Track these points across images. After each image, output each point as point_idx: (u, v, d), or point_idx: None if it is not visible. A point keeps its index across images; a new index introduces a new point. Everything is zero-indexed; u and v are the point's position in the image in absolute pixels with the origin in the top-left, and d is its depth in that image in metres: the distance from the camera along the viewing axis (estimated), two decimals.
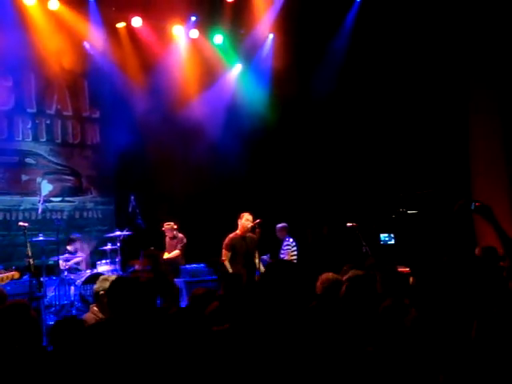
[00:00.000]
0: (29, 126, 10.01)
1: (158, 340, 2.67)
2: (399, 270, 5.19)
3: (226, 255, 7.53)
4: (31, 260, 7.13)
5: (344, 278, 3.57)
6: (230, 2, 10.43)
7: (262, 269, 7.85)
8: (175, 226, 9.36)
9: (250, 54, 11.32)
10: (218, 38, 11.03)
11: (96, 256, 9.39)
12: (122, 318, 3.13)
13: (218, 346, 2.26)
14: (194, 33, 10.82)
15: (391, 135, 10.55)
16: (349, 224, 8.41)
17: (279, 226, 9.58)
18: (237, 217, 7.82)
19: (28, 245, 7.25)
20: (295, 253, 9.53)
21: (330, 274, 3.91)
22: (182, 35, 10.77)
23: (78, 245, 9.24)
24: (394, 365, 2.44)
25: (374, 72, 10.36)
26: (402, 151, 10.43)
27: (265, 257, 9.48)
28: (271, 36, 11.23)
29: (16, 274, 6.27)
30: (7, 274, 6.18)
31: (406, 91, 10.23)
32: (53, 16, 9.44)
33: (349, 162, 10.94)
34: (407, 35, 9.83)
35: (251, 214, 7.79)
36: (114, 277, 4.93)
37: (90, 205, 10.73)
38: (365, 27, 10.28)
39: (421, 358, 2.41)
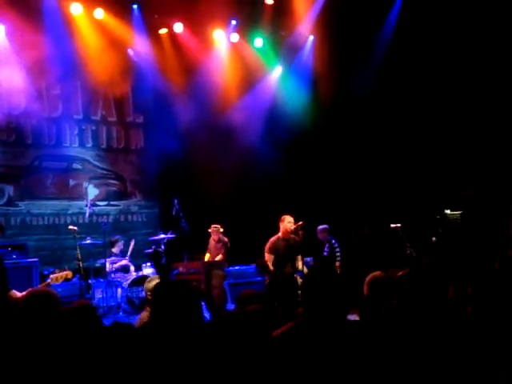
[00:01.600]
0: (75, 132, 10.30)
1: (204, 345, 2.70)
2: None
3: (268, 258, 7.50)
4: (81, 263, 7.31)
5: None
6: (269, 5, 10.48)
7: (306, 271, 7.85)
8: (222, 230, 9.44)
9: (290, 57, 11.34)
10: (259, 41, 11.09)
11: (141, 259, 9.56)
12: (164, 321, 3.21)
13: (277, 350, 2.28)
14: (235, 37, 10.93)
15: (434, 135, 10.38)
16: (392, 225, 8.32)
17: (320, 227, 9.54)
18: (278, 219, 7.82)
19: (78, 248, 7.45)
20: (338, 254, 9.50)
21: (377, 273, 3.80)
22: (222, 39, 10.89)
23: (121, 245, 9.39)
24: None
25: (417, 71, 10.20)
26: (446, 150, 10.26)
27: (308, 259, 9.46)
28: (311, 38, 11.22)
29: (69, 274, 6.39)
30: (61, 273, 6.31)
31: (449, 90, 10.06)
32: (98, 25, 9.70)
33: (391, 162, 10.81)
34: (450, 34, 9.66)
35: (292, 216, 7.77)
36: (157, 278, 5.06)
37: (134, 208, 10.94)
38: (407, 26, 10.15)
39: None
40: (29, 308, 2.94)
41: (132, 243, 9.35)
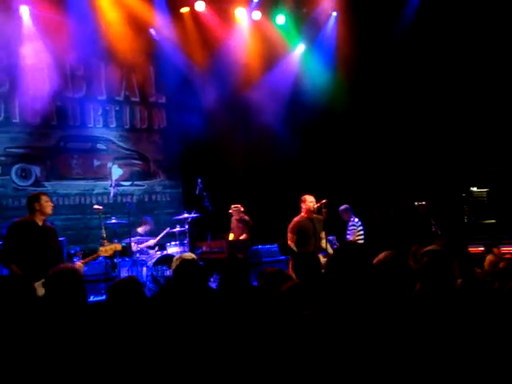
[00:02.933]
0: (99, 112, 10.36)
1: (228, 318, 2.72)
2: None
3: (291, 239, 7.42)
4: (106, 242, 7.38)
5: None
6: None
7: (330, 250, 7.83)
8: (242, 209, 9.47)
9: (313, 34, 11.20)
10: (281, 19, 10.95)
11: (165, 238, 9.64)
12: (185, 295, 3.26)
13: (304, 329, 2.28)
14: (257, 14, 10.81)
15: (460, 112, 10.20)
16: (417, 203, 8.24)
17: (342, 208, 9.47)
18: (300, 197, 7.76)
19: (103, 227, 7.52)
20: (361, 233, 9.44)
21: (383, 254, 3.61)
22: (244, 17, 10.78)
23: (148, 227, 9.50)
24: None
25: (443, 47, 10.00)
26: (473, 126, 10.07)
27: (331, 237, 9.43)
28: (334, 14, 11.05)
29: (119, 246, 6.41)
30: (111, 245, 6.35)
31: (474, 65, 9.85)
32: (120, 5, 9.67)
33: (416, 139, 10.66)
34: (472, 13, 9.43)
35: (314, 195, 7.72)
36: (189, 255, 5.10)
37: (158, 188, 11.02)
38: (433, 5, 9.93)
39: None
40: (53, 285, 2.99)
41: (165, 231, 9.32)
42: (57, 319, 2.75)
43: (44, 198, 5.53)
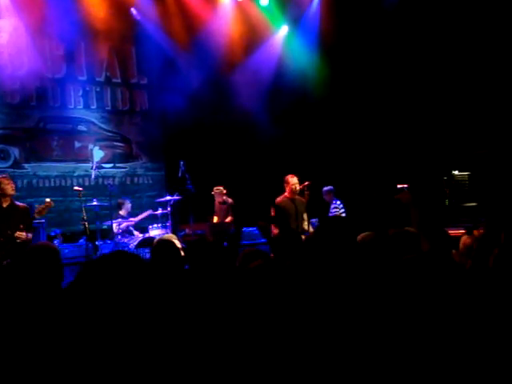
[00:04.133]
0: (80, 93, 10.22)
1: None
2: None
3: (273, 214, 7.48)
4: (87, 224, 7.33)
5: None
6: None
7: (312, 231, 7.85)
8: (224, 191, 9.45)
9: (296, 15, 11.12)
10: (264, 0, 10.86)
11: (147, 220, 9.59)
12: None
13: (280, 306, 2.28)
14: None
15: (442, 95, 10.23)
16: (399, 185, 8.28)
17: (325, 188, 9.54)
18: (282, 180, 7.76)
19: (83, 209, 7.46)
20: (343, 215, 9.50)
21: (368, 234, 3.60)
22: None
23: (128, 208, 9.41)
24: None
25: (429, 29, 9.98)
26: (454, 108, 10.12)
27: (314, 220, 9.46)
28: None
29: (49, 203, 6.22)
30: (43, 205, 6.21)
31: (459, 47, 9.87)
32: None
33: (398, 123, 10.70)
34: None
35: (298, 176, 7.72)
36: (170, 237, 5.07)
37: (140, 171, 10.94)
38: None
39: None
40: (30, 261, 2.95)
41: (147, 213, 9.27)
42: (30, 298, 2.71)
43: (4, 182, 5.91)
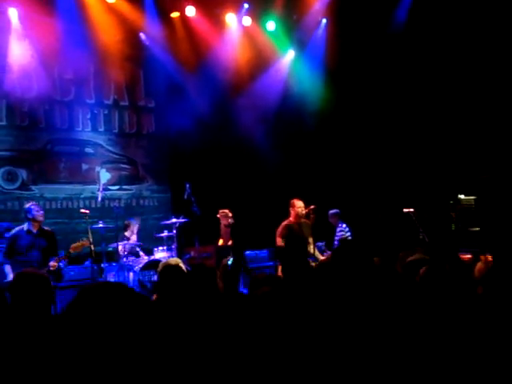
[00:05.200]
0: (88, 116, 10.30)
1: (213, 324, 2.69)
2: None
3: (280, 243, 7.49)
4: (92, 246, 7.34)
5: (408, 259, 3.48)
6: None
7: (319, 255, 7.85)
8: (230, 214, 9.45)
9: (302, 40, 11.25)
10: (271, 25, 10.99)
11: (153, 243, 9.59)
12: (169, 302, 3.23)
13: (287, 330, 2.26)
14: (247, 20, 10.84)
15: (449, 120, 10.27)
16: (405, 210, 8.27)
17: (331, 212, 9.55)
18: (288, 203, 7.79)
19: (89, 231, 7.46)
20: (349, 238, 9.48)
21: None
22: (234, 23, 10.81)
23: (134, 229, 9.42)
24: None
25: (432, 55, 10.07)
26: (461, 134, 10.14)
27: (320, 243, 9.45)
28: (324, 21, 11.11)
29: (86, 242, 7.17)
30: (79, 242, 7.12)
31: (466, 73, 9.93)
32: (110, 8, 9.65)
33: (404, 147, 10.72)
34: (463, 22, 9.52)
35: (303, 200, 7.75)
36: (175, 261, 5.07)
37: (146, 193, 10.96)
38: (424, 8, 10.00)
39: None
40: (18, 289, 2.94)
41: (136, 225, 9.32)
42: (20, 325, 2.70)
43: (35, 208, 6.73)
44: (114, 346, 1.93)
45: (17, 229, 6.89)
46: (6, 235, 7.07)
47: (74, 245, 7.02)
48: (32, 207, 6.80)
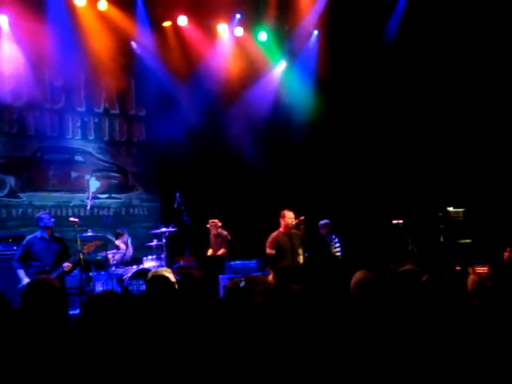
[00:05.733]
0: (78, 124, 10.26)
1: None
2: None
3: (270, 254, 7.48)
4: (81, 255, 7.30)
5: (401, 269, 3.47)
6: None
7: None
8: (220, 224, 9.45)
9: (294, 51, 11.30)
10: (263, 35, 11.04)
11: (142, 252, 9.54)
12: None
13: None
14: (239, 30, 10.88)
15: (438, 132, 10.35)
16: (394, 221, 8.29)
17: (322, 222, 9.56)
18: (278, 214, 7.78)
19: (78, 240, 7.42)
20: (339, 249, 9.49)
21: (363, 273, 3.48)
22: (226, 33, 10.85)
23: (125, 239, 9.38)
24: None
25: (422, 69, 10.16)
26: (450, 147, 10.22)
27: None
28: (316, 32, 11.18)
29: (98, 242, 7.77)
30: (91, 243, 7.58)
31: (454, 85, 10.03)
32: (102, 16, 9.65)
33: (394, 158, 10.77)
34: (456, 29, 9.62)
35: (293, 210, 7.74)
36: (164, 270, 5.05)
37: (136, 201, 10.92)
38: (414, 20, 10.10)
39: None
40: (29, 296, 2.91)
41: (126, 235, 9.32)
42: (33, 331, 2.68)
43: (46, 217, 7.08)
44: (120, 350, 1.93)
45: (30, 236, 7.12)
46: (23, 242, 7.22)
47: (86, 245, 7.41)
48: (43, 216, 7.11)
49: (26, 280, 6.66)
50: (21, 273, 6.80)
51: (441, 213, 9.70)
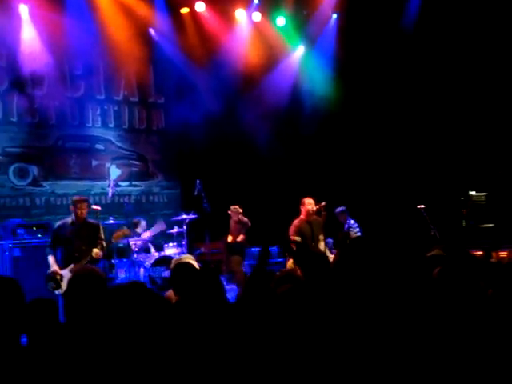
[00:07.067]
0: (98, 112, 10.31)
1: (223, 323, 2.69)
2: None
3: (295, 240, 7.47)
4: (104, 243, 7.34)
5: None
6: None
7: (328, 252, 7.83)
8: (240, 210, 9.46)
9: (313, 36, 11.19)
10: (281, 20, 10.95)
11: (163, 239, 9.60)
12: (186, 301, 3.23)
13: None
14: (257, 16, 10.80)
15: (459, 115, 10.21)
16: (418, 206, 8.24)
17: (338, 209, 9.50)
18: (298, 200, 7.78)
19: (101, 228, 7.47)
20: (358, 234, 9.44)
21: None
22: (244, 18, 10.78)
23: (144, 226, 9.44)
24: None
25: (445, 48, 9.99)
26: (472, 130, 10.08)
27: (328, 240, 9.42)
28: (335, 16, 11.05)
29: (126, 231, 7.92)
30: (119, 231, 7.83)
31: (470, 71, 9.87)
32: (120, 4, 9.64)
33: (414, 143, 10.67)
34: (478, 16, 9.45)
35: (313, 197, 7.73)
36: (187, 258, 5.10)
37: (156, 189, 10.97)
38: (435, 2, 9.93)
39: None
40: (75, 287, 2.94)
41: (160, 226, 9.31)
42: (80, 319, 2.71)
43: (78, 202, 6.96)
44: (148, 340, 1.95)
45: (62, 220, 7.10)
46: (54, 227, 7.26)
47: (115, 234, 7.50)
48: (75, 199, 7.06)
49: (53, 267, 6.68)
50: (50, 259, 6.79)
51: (463, 197, 9.60)
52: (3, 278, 2.54)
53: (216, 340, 2.41)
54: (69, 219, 6.96)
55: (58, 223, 7.07)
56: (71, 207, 7.01)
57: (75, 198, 7.24)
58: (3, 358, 2.15)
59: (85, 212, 6.91)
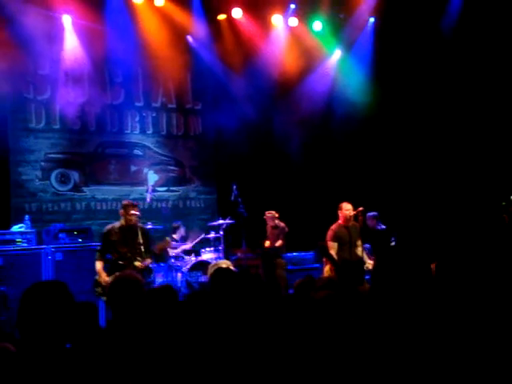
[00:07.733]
0: (137, 119, 10.49)
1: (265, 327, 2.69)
2: None
3: (332, 247, 7.44)
4: (142, 247, 7.42)
5: None
6: None
7: (366, 258, 7.76)
8: (277, 215, 9.46)
9: (350, 40, 11.13)
10: (318, 25, 10.92)
11: (200, 244, 9.68)
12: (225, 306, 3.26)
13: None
14: (294, 21, 10.80)
15: (499, 120, 9.99)
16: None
17: (370, 214, 9.41)
18: (335, 205, 7.75)
19: (139, 233, 7.56)
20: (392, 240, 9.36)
21: None
22: (281, 24, 10.79)
23: (182, 232, 9.55)
24: None
25: (484, 57, 9.79)
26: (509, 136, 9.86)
27: (367, 245, 9.34)
28: (372, 20, 10.97)
29: (167, 243, 8.12)
30: (161, 243, 7.98)
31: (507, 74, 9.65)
32: (159, 12, 9.80)
33: (453, 146, 10.47)
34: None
35: (350, 202, 7.69)
36: (224, 263, 5.13)
37: (192, 194, 11.07)
38: (474, 8, 9.74)
39: None
40: (115, 291, 3.00)
41: (200, 236, 9.40)
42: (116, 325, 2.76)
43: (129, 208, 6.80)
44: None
45: (111, 225, 6.93)
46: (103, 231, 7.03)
47: (158, 245, 7.45)
48: (126, 203, 6.87)
49: (102, 275, 6.49)
50: (97, 265, 6.62)
51: (504, 202, 9.37)
52: (54, 282, 2.61)
53: (258, 344, 2.41)
54: (117, 224, 6.83)
55: (108, 227, 6.88)
56: (120, 211, 6.84)
57: (124, 201, 7.06)
58: (52, 360, 2.20)
59: (134, 217, 6.69)
